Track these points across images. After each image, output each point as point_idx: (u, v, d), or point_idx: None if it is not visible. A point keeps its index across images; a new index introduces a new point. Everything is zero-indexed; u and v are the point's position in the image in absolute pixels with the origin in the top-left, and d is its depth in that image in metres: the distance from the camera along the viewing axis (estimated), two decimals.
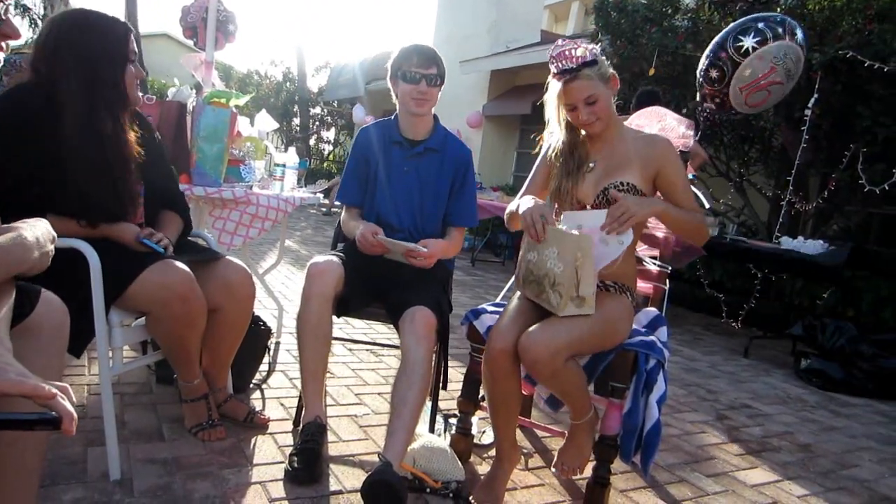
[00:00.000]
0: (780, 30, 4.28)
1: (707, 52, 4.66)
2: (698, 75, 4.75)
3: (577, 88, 1.94)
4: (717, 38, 4.60)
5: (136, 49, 1.94)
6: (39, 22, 16.23)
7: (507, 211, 2.16)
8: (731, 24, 4.59)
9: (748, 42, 4.35)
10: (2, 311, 1.07)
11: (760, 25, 4.34)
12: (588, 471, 2.04)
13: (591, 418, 1.99)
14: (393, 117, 2.40)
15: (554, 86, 2.01)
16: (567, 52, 1.92)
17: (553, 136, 2.17)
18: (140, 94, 2.14)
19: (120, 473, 1.79)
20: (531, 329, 1.80)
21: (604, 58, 2.00)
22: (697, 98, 4.93)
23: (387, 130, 2.38)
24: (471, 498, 1.94)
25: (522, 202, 1.99)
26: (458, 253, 2.51)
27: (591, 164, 2.06)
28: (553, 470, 2.10)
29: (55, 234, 1.19)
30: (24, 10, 15.68)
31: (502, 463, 2.02)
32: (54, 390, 0.90)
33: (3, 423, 0.96)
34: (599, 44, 2.05)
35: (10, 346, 1.02)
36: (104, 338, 1.77)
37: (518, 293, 2.06)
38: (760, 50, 4.31)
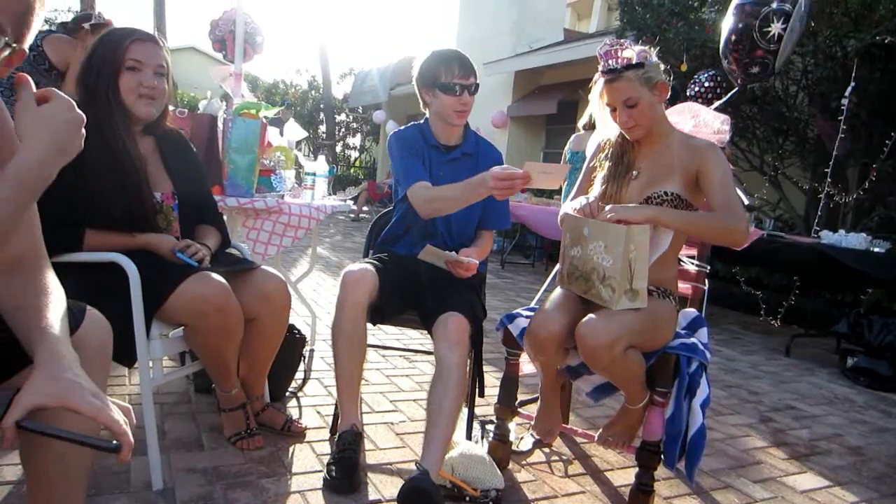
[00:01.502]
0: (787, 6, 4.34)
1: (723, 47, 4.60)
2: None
3: (617, 89, 1.92)
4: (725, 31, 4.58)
5: (155, 59, 1.92)
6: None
7: (560, 214, 2.14)
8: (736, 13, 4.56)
9: (776, 28, 4.28)
10: (60, 318, 1.09)
11: (775, 6, 4.36)
12: (630, 477, 2.00)
13: (645, 402, 1.97)
14: (423, 122, 2.37)
15: (598, 84, 1.99)
16: (614, 52, 1.91)
17: (603, 137, 2.15)
18: (171, 108, 2.15)
19: (162, 483, 1.80)
20: (589, 317, 1.78)
21: (656, 63, 1.96)
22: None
23: (422, 133, 2.34)
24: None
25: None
26: (488, 256, 2.48)
27: (635, 172, 2.03)
28: (598, 442, 2.08)
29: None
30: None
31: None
32: (125, 427, 0.94)
33: (65, 439, 0.98)
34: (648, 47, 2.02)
35: (75, 354, 1.05)
36: (145, 349, 1.79)
37: (558, 290, 2.05)
38: (790, 24, 4.29)
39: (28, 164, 1.03)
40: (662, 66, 2.00)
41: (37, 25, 1.07)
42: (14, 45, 1.02)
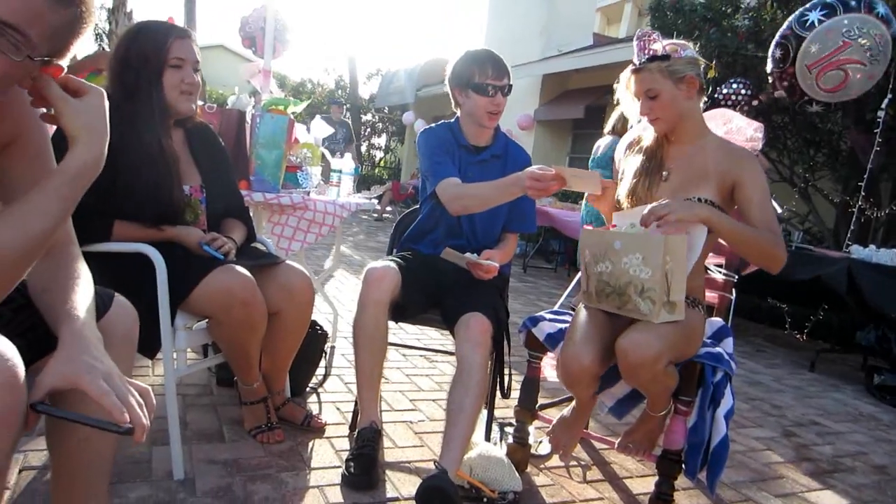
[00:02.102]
0: (853, 2, 3.90)
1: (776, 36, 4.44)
2: (769, 62, 4.51)
3: (639, 80, 1.93)
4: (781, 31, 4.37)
5: (193, 55, 1.94)
6: (105, 36, 16.90)
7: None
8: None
9: (814, 15, 4.01)
10: (87, 302, 1.11)
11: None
12: (650, 486, 1.98)
13: (668, 410, 1.95)
14: (454, 121, 2.36)
15: (625, 74, 1.99)
16: (643, 44, 1.91)
17: (635, 131, 2.14)
18: (200, 103, 2.17)
19: (183, 473, 1.82)
20: (628, 333, 1.73)
21: (690, 57, 1.93)
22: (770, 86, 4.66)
23: (452, 133, 2.33)
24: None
25: None
26: (511, 259, 2.47)
27: (665, 173, 1.99)
28: (617, 448, 2.06)
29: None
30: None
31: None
32: (125, 417, 0.93)
33: (75, 421, 1.00)
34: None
35: (99, 335, 1.06)
36: (169, 340, 1.81)
37: (582, 307, 2.01)
38: (828, 22, 3.94)
39: (88, 161, 1.05)
40: (702, 63, 1.97)
41: (82, 40, 1.05)
42: (47, 58, 0.99)
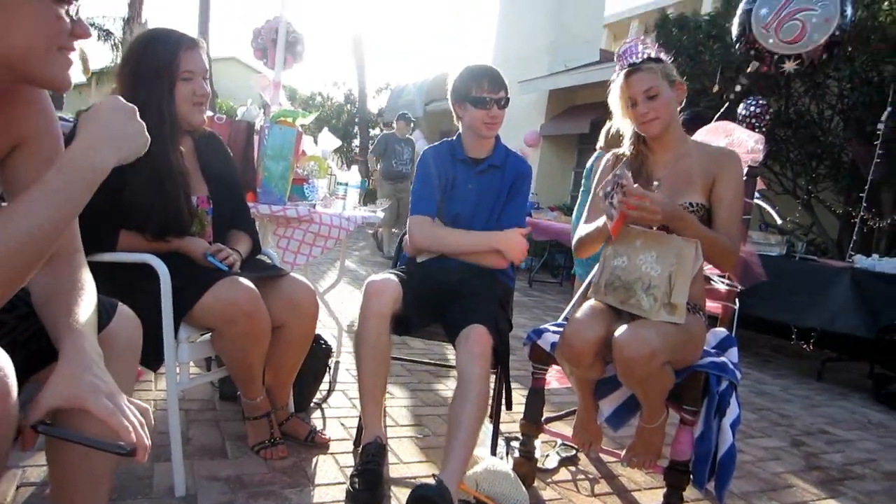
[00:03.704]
0: None
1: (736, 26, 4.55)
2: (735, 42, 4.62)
3: (639, 80, 1.95)
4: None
5: (203, 66, 1.95)
6: (120, 46, 17.09)
7: (575, 240, 2.13)
8: None
9: None
10: (88, 314, 1.10)
11: None
12: (658, 498, 1.96)
13: (662, 420, 1.94)
14: (455, 137, 2.41)
15: (618, 80, 2.01)
16: (633, 49, 1.97)
17: (613, 153, 2.16)
18: (210, 114, 2.17)
19: (185, 490, 1.80)
20: (626, 328, 1.76)
21: (671, 64, 2.01)
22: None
23: (451, 150, 2.39)
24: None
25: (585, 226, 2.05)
26: (516, 272, 2.48)
27: (655, 182, 2.01)
28: (623, 463, 2.04)
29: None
30: (107, 35, 16.52)
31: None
32: (133, 436, 0.92)
33: (76, 442, 0.98)
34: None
35: (101, 351, 1.05)
36: (172, 353, 1.80)
37: (589, 302, 2.03)
38: None
39: (74, 151, 1.03)
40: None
41: None
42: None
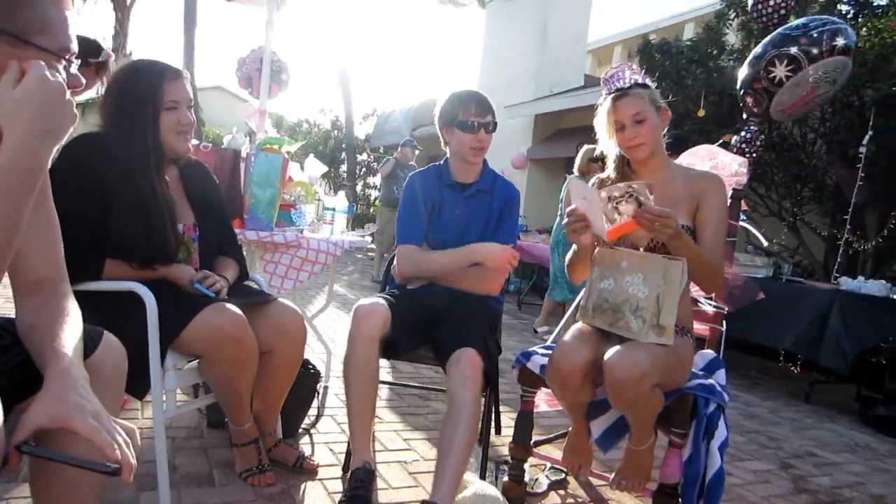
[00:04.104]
0: (814, 50, 4.01)
1: (741, 77, 4.50)
2: (739, 91, 4.61)
3: (627, 104, 1.98)
4: (746, 65, 4.43)
5: (187, 95, 1.97)
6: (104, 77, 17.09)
7: (566, 265, 2.16)
8: (760, 48, 4.36)
9: (780, 72, 4.12)
10: (74, 340, 1.09)
11: (794, 51, 4.08)
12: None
13: (651, 443, 1.94)
14: (443, 162, 2.43)
15: (605, 104, 2.04)
16: (620, 74, 2.00)
17: (598, 177, 2.19)
18: (195, 142, 2.19)
19: None
20: (616, 350, 1.76)
21: (657, 90, 2.04)
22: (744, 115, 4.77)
23: (438, 175, 2.41)
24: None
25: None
26: (504, 296, 2.48)
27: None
28: (612, 486, 2.03)
29: None
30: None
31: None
32: (118, 454, 0.91)
33: (62, 461, 0.97)
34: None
35: (86, 374, 1.04)
36: (159, 380, 1.78)
37: (576, 325, 2.04)
38: (796, 77, 4.08)
39: (8, 153, 0.98)
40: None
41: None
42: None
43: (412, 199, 2.38)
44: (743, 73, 4.49)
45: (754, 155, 4.87)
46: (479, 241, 2.32)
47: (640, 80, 2.00)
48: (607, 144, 2.10)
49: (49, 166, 1.08)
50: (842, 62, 4.04)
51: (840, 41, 3.98)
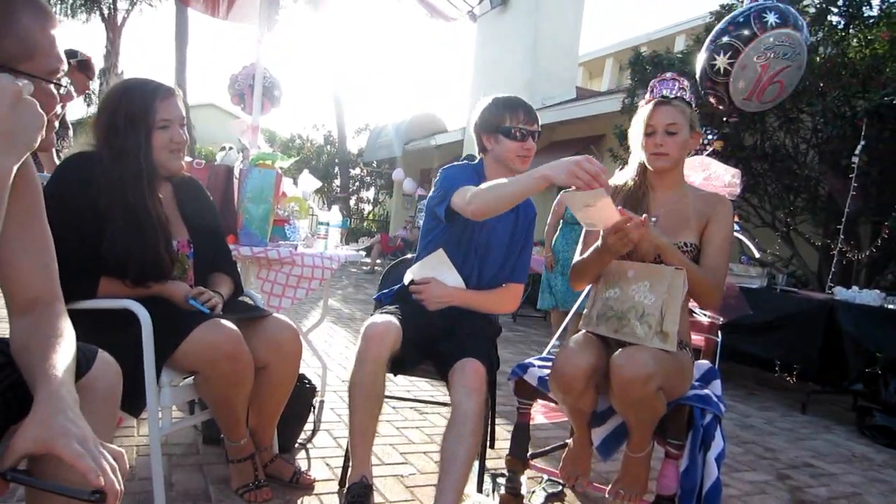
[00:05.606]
0: (746, 32, 4.05)
1: (698, 84, 4.50)
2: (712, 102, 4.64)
3: (665, 112, 2.02)
4: (697, 72, 4.47)
5: (179, 113, 1.98)
6: (94, 97, 17.14)
7: (571, 269, 2.15)
8: (703, 51, 4.42)
9: (721, 61, 4.16)
10: (66, 361, 1.08)
11: (725, 40, 4.14)
12: None
13: (648, 451, 1.94)
14: (478, 163, 2.35)
15: (644, 110, 2.06)
16: (669, 83, 2.04)
17: (623, 175, 2.19)
18: (189, 160, 2.19)
19: None
20: (623, 351, 1.79)
21: (697, 113, 2.08)
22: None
23: (476, 172, 2.30)
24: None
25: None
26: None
27: (653, 219, 2.04)
28: (609, 497, 2.03)
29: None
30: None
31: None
32: (101, 480, 0.89)
33: (43, 489, 0.96)
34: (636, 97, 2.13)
35: (77, 397, 1.03)
36: (155, 397, 1.78)
37: (579, 333, 2.05)
38: (739, 61, 4.10)
39: None
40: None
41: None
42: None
43: (464, 178, 2.17)
44: (698, 79, 4.53)
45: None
46: (507, 257, 2.30)
47: (686, 97, 2.03)
48: (637, 153, 2.11)
49: (13, 178, 1.01)
50: (784, 34, 4.05)
51: (771, 17, 4.02)
